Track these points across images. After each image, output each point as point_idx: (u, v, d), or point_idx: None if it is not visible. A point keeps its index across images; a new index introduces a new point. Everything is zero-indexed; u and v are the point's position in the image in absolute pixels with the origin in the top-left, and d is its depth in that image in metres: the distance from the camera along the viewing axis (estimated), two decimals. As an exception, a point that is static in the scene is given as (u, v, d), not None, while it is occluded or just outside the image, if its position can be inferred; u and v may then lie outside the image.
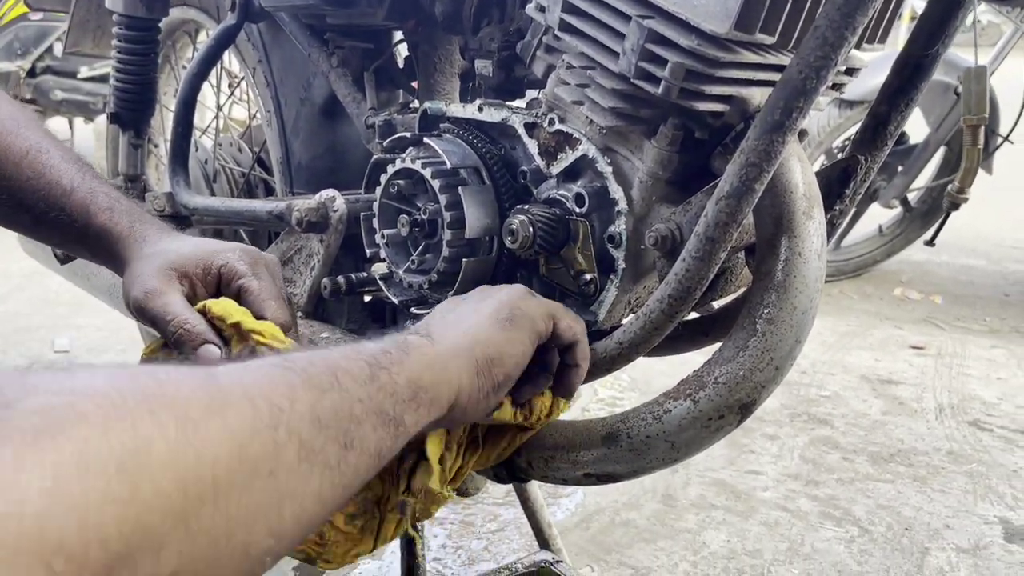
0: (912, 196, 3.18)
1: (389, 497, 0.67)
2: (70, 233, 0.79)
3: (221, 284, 0.75)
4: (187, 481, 0.35)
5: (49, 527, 0.29)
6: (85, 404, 0.33)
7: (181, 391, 0.38)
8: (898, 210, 3.25)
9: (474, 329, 0.59)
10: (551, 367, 0.69)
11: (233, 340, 0.69)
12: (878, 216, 3.29)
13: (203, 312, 0.70)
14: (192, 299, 0.73)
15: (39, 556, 0.29)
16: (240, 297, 0.73)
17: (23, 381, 0.33)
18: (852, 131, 2.84)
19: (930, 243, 2.66)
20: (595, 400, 2.15)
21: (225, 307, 0.69)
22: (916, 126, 2.74)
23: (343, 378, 0.47)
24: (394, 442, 0.49)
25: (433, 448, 0.65)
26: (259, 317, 0.71)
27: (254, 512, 0.38)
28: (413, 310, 0.91)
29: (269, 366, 0.45)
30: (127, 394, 0.35)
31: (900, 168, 3.09)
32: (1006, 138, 2.59)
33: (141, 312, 0.71)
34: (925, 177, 3.19)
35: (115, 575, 0.32)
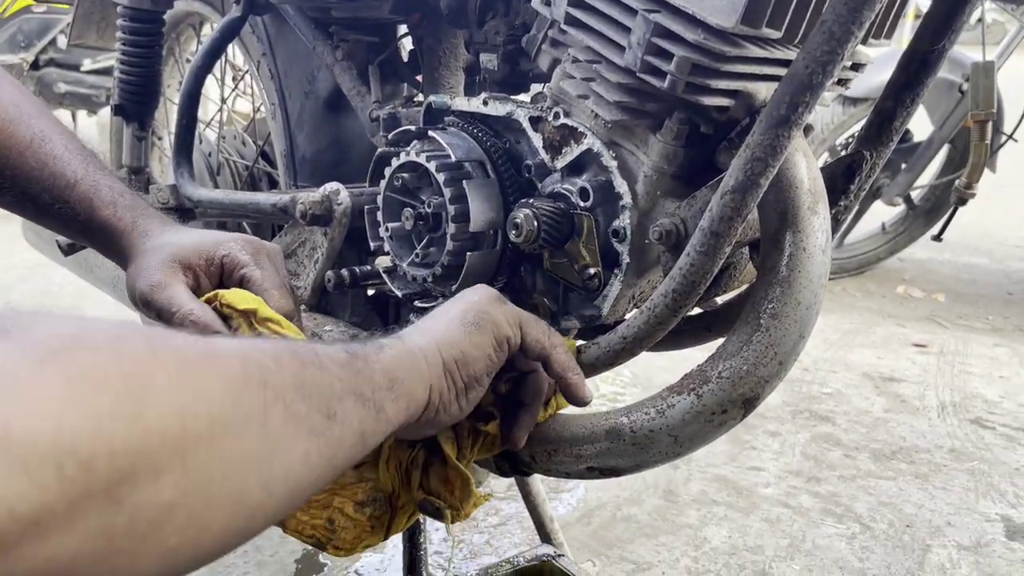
0: (915, 194, 3.18)
1: (400, 495, 0.67)
2: (74, 225, 0.79)
3: (224, 274, 0.75)
4: (185, 416, 0.37)
5: (64, 431, 0.32)
6: (93, 335, 0.36)
7: (178, 340, 0.41)
8: (901, 208, 3.24)
9: (440, 331, 0.61)
10: (533, 395, 0.71)
11: (242, 328, 0.69)
12: (881, 214, 3.29)
13: (211, 302, 0.70)
14: (196, 290, 0.73)
15: (53, 457, 0.31)
16: (243, 286, 0.73)
17: (34, 313, 0.36)
18: (856, 128, 2.84)
19: (937, 238, 2.66)
20: (596, 396, 2.15)
21: (239, 295, 0.70)
22: (920, 124, 2.74)
23: (323, 358, 0.49)
24: (376, 426, 0.51)
25: (449, 448, 0.67)
26: None
27: (246, 461, 0.40)
28: (417, 303, 0.91)
29: (256, 339, 0.47)
30: (131, 334, 0.38)
31: (904, 165, 3.08)
32: (1010, 136, 2.58)
33: (147, 305, 0.72)
34: (929, 175, 3.19)
35: (117, 490, 0.34)
